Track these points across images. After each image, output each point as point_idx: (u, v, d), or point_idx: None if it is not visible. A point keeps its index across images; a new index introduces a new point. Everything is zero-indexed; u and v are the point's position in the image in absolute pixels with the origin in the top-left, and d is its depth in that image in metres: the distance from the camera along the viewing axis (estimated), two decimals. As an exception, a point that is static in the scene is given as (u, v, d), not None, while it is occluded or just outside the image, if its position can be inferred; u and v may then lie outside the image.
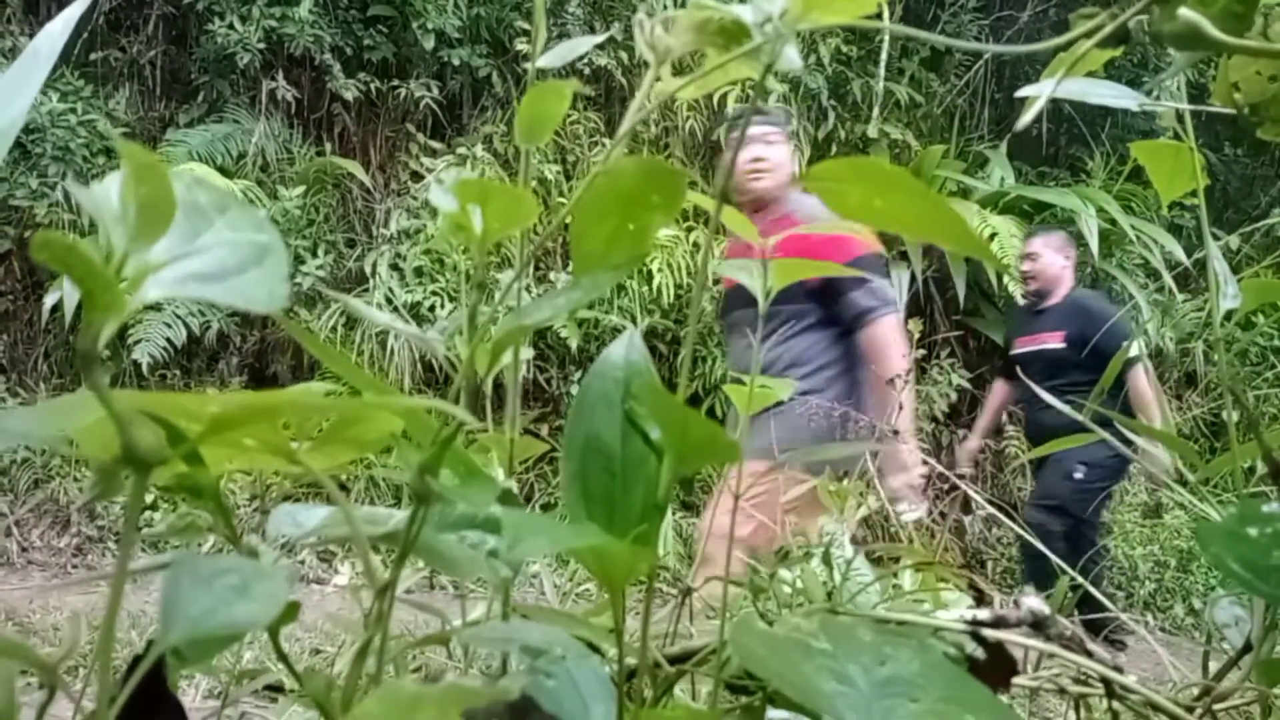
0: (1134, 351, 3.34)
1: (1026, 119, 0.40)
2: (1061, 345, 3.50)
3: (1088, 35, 0.38)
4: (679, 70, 0.39)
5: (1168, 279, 5.24)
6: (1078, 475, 3.50)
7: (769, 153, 2.35)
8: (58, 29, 0.41)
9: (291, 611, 0.44)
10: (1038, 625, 0.63)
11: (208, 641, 0.33)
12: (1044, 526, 3.37)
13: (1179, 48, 0.40)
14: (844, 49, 5.50)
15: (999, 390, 3.96)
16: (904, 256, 5.10)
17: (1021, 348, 3.71)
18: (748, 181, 2.35)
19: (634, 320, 4.78)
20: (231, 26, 4.83)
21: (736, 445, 0.31)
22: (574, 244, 0.37)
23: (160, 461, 0.27)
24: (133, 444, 0.26)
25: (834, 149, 5.52)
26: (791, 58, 0.30)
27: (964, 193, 5.46)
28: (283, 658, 0.50)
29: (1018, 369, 3.58)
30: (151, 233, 0.26)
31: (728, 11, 0.31)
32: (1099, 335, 3.13)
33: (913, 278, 5.11)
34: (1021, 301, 3.96)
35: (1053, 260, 3.66)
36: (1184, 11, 0.40)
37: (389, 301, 4.75)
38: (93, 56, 5.19)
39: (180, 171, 0.28)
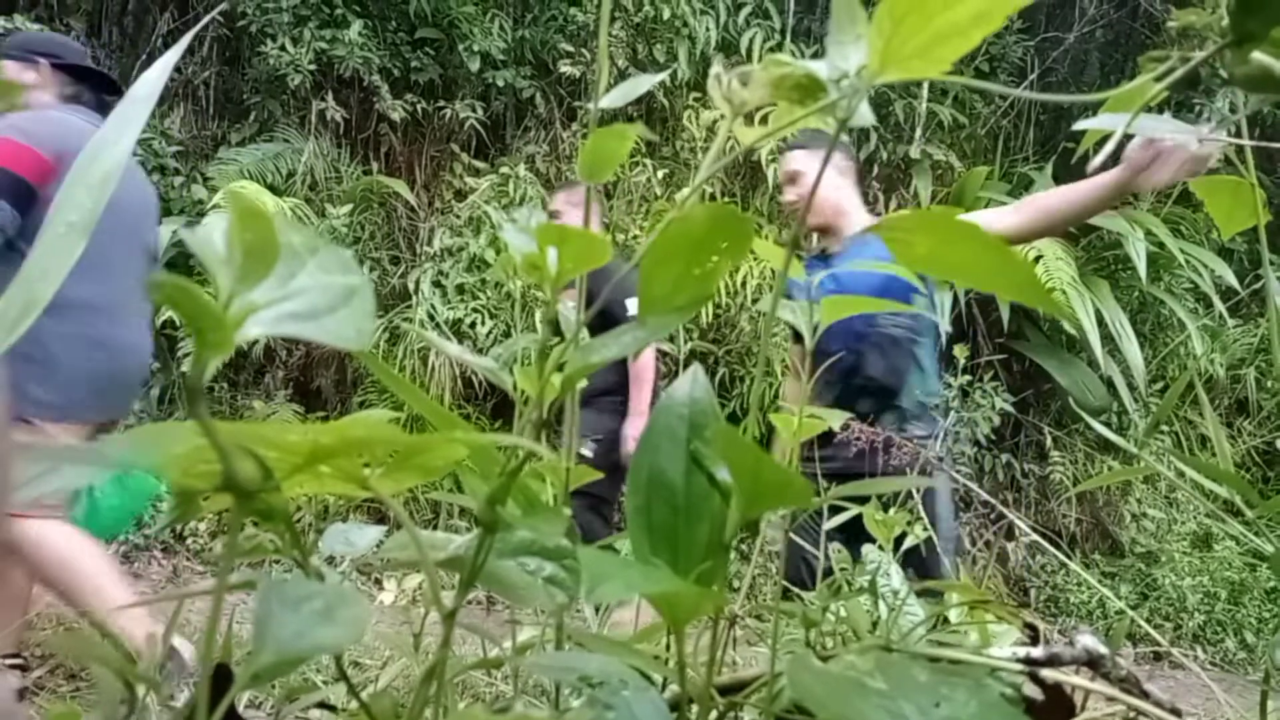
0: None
1: (1096, 162, 0.40)
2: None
3: (1159, 79, 0.38)
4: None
5: (1219, 305, 5.11)
6: (586, 452, 3.13)
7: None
8: (154, 75, 0.43)
9: (358, 634, 0.45)
10: (1093, 664, 0.62)
11: (286, 662, 0.35)
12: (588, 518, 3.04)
13: (1252, 90, 0.40)
14: (886, 70, 5.47)
15: None
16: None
17: None
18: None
19: (672, 341, 4.78)
20: (283, 48, 4.96)
21: (809, 488, 0.31)
22: (642, 285, 0.38)
23: (258, 490, 0.28)
24: (234, 473, 0.28)
25: (876, 170, 5.50)
26: (865, 113, 0.31)
27: (1007, 215, 5.39)
28: (344, 677, 0.52)
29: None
30: (256, 276, 0.27)
31: (803, 67, 0.31)
32: (601, 300, 2.70)
33: (955, 300, 5.06)
34: None
35: (575, 217, 3.14)
36: (1258, 55, 0.40)
37: (431, 318, 4.82)
38: (151, 77, 5.36)
39: (274, 213, 0.30)
